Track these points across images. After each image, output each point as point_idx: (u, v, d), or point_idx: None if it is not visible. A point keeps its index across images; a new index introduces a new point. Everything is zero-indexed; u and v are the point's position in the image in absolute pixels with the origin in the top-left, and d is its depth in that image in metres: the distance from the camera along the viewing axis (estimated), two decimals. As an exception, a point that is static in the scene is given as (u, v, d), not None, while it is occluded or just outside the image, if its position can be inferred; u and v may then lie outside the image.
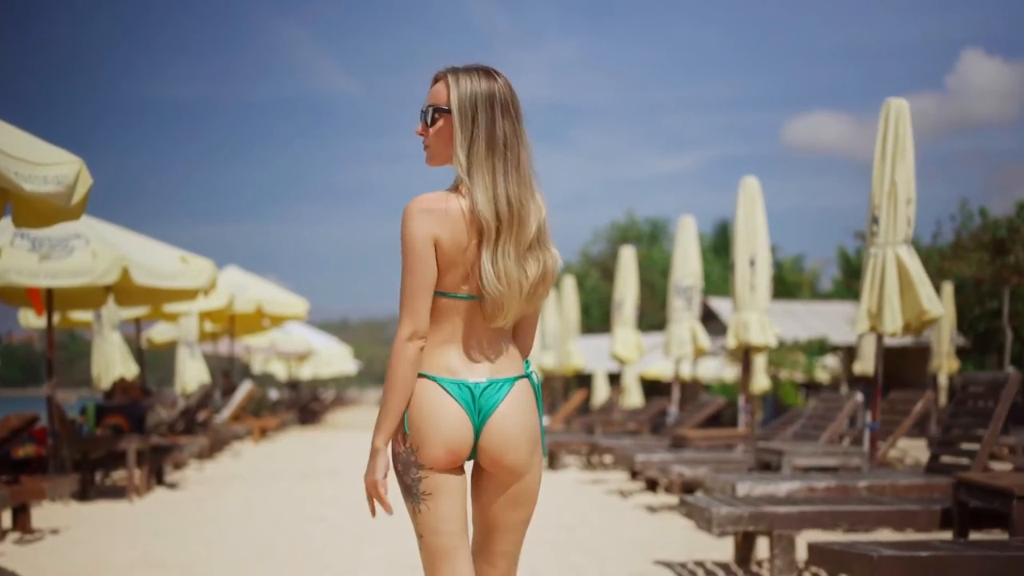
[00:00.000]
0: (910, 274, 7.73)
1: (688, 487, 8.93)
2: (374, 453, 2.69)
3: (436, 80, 2.79)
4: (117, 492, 10.43)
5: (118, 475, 11.82)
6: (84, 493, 9.90)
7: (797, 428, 9.96)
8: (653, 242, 43.94)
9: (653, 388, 30.73)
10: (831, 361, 27.58)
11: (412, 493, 2.73)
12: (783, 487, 6.68)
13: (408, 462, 2.72)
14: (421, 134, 2.79)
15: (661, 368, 28.07)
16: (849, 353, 26.96)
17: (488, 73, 2.78)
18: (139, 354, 14.95)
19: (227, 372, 22.03)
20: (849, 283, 36.00)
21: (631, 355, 15.51)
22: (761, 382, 18.52)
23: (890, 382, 24.73)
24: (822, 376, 27.71)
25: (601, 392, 22.82)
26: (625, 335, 15.54)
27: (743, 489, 6.69)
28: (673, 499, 9.56)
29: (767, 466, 8.24)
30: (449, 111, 2.74)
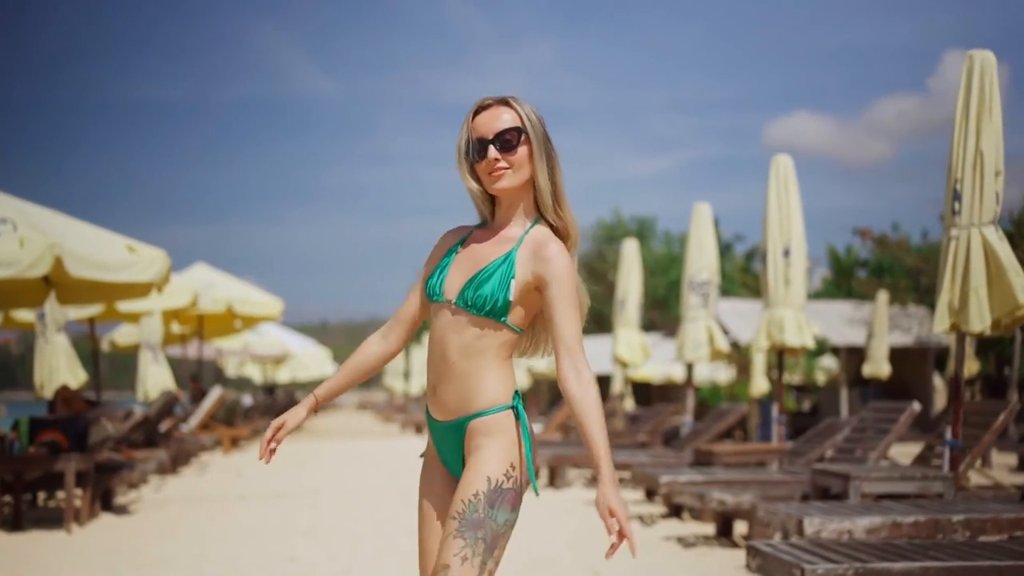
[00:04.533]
0: (1000, 261, 6.46)
1: (726, 517, 7.54)
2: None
3: (480, 110, 2.73)
4: (56, 518, 9.00)
5: (62, 496, 10.38)
6: (17, 521, 8.50)
7: (839, 441, 8.69)
8: (640, 241, 42.81)
9: (642, 391, 29.44)
10: (828, 362, 26.44)
11: (503, 535, 2.70)
12: (860, 523, 5.43)
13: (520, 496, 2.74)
14: (504, 159, 2.70)
15: (651, 371, 26.77)
16: (849, 354, 25.77)
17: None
18: (94, 359, 13.56)
19: (196, 377, 20.51)
20: (840, 282, 34.97)
21: (635, 358, 14.14)
22: (760, 385, 17.29)
23: (888, 385, 23.57)
24: (820, 378, 26.56)
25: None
26: (628, 336, 14.17)
27: (811, 526, 5.41)
28: (705, 528, 8.19)
29: (825, 492, 6.94)
30: (527, 134, 2.72)
